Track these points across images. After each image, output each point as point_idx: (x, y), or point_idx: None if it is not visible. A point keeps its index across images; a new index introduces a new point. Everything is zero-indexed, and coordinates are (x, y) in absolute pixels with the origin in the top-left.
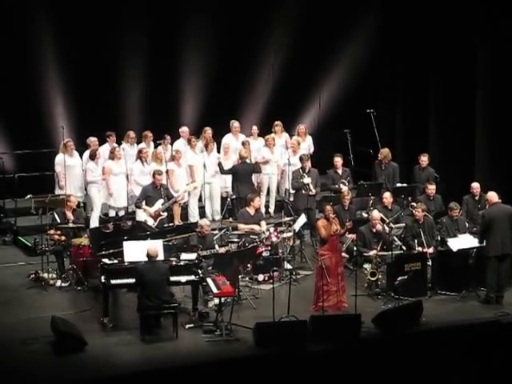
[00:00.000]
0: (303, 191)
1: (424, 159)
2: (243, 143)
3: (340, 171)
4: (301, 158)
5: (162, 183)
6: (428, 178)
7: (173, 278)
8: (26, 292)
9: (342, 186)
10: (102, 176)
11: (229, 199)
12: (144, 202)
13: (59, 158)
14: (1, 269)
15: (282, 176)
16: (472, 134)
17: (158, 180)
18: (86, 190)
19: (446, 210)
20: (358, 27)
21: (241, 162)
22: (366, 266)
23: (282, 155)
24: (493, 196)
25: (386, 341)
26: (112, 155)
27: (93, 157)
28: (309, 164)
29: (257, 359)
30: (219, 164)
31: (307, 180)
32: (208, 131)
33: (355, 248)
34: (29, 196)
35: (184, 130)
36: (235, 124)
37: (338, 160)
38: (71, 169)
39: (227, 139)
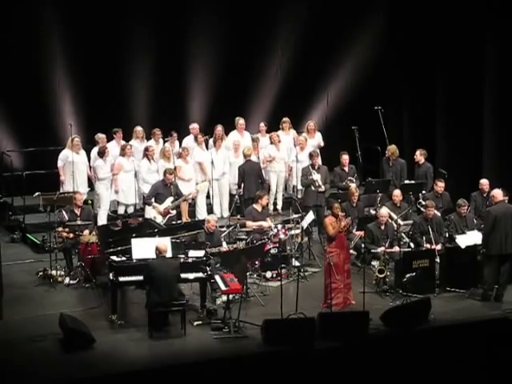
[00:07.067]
0: (312, 188)
1: (417, 154)
2: (253, 140)
3: (347, 168)
4: (310, 155)
5: (173, 181)
6: (425, 174)
7: (181, 275)
8: (34, 289)
9: (349, 183)
10: (111, 173)
11: (237, 196)
12: (153, 199)
13: (63, 154)
14: (9, 266)
15: (290, 173)
16: (480, 130)
17: (168, 179)
18: (89, 186)
19: (454, 207)
20: (366, 24)
21: (245, 161)
22: (374, 263)
23: (289, 152)
24: (498, 194)
25: (394, 338)
26: (123, 152)
27: (101, 154)
28: (319, 161)
29: (265, 356)
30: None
31: (316, 176)
32: (218, 128)
33: (363, 245)
34: (37, 193)
35: (194, 126)
36: (240, 121)
37: (346, 158)
38: (76, 165)
39: (233, 136)
